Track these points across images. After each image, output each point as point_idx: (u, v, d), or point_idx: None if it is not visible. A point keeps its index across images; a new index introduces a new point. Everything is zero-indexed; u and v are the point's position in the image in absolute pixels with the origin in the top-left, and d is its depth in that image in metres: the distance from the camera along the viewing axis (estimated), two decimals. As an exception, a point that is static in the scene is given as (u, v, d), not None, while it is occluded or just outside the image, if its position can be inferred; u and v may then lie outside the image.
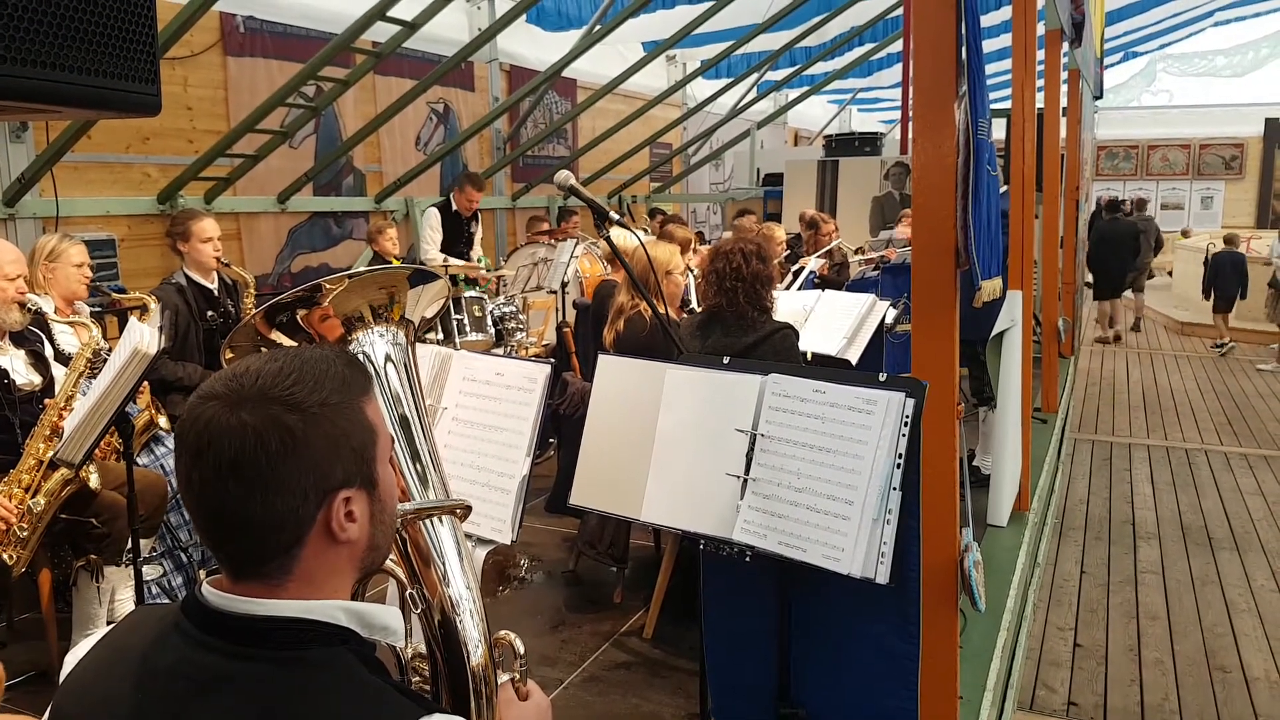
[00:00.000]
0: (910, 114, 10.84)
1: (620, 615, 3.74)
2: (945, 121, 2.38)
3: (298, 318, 1.36)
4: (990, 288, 2.48)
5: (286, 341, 1.33)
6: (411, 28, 5.76)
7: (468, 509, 1.35)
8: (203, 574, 1.06)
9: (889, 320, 4.60)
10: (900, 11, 10.33)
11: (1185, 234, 16.56)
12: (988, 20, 10.24)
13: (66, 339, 3.57)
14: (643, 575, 3.95)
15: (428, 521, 1.34)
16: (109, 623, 3.23)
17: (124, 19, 0.77)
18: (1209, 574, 5.43)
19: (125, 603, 3.28)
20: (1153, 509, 6.55)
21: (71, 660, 1.10)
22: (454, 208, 6.99)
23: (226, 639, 0.99)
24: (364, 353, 1.34)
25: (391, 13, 5.53)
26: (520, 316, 6.07)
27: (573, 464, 2.36)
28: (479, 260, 7.06)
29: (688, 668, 3.25)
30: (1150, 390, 10.13)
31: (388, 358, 1.36)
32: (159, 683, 0.99)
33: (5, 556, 2.88)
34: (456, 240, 6.91)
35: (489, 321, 5.71)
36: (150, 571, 3.30)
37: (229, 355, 1.30)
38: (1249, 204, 19.87)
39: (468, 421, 2.15)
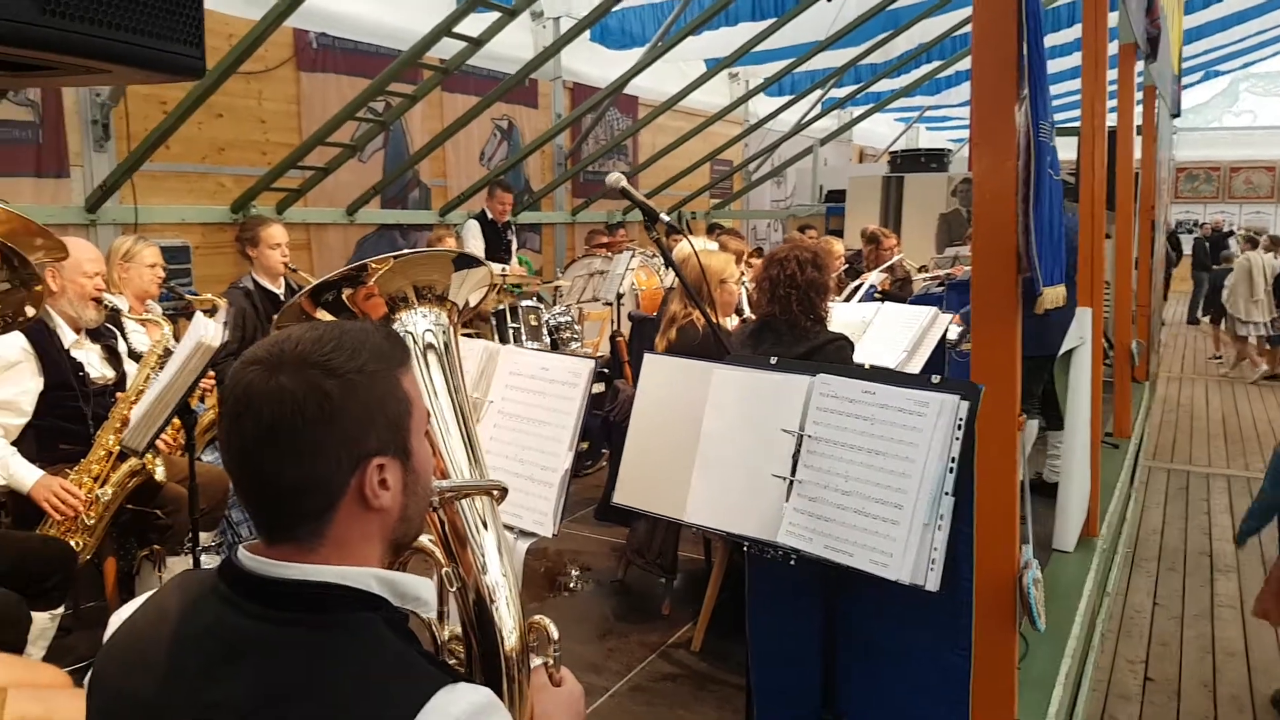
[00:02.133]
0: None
1: (668, 627, 3.70)
2: (1005, 125, 2.34)
3: (344, 297, 1.38)
4: (1053, 295, 2.42)
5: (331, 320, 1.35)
6: (477, 44, 5.86)
7: (504, 491, 1.36)
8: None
9: (952, 336, 4.51)
10: (968, 29, 10.19)
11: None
12: (1059, 38, 10.04)
13: (138, 337, 3.70)
14: (691, 588, 3.91)
15: (465, 504, 1.34)
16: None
17: (171, -18, 0.79)
18: (1290, 609, 5.18)
19: (185, 594, 3.36)
20: (1231, 541, 6.27)
21: (115, 621, 1.13)
22: (489, 216, 7.05)
23: (259, 602, 1.00)
24: (407, 331, 1.36)
25: (458, 29, 5.64)
26: (575, 327, 6.11)
27: (625, 470, 2.36)
28: (521, 261, 7.14)
29: (735, 682, 3.20)
30: (1231, 418, 9.76)
31: (429, 337, 1.37)
32: (193, 643, 1.01)
33: (73, 543, 2.97)
34: (496, 249, 6.95)
35: (544, 331, 5.76)
36: (208, 562, 3.38)
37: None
38: (1337, 229, 19.10)
39: (512, 415, 2.17)
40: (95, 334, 3.38)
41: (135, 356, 3.52)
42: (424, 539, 1.30)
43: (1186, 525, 6.64)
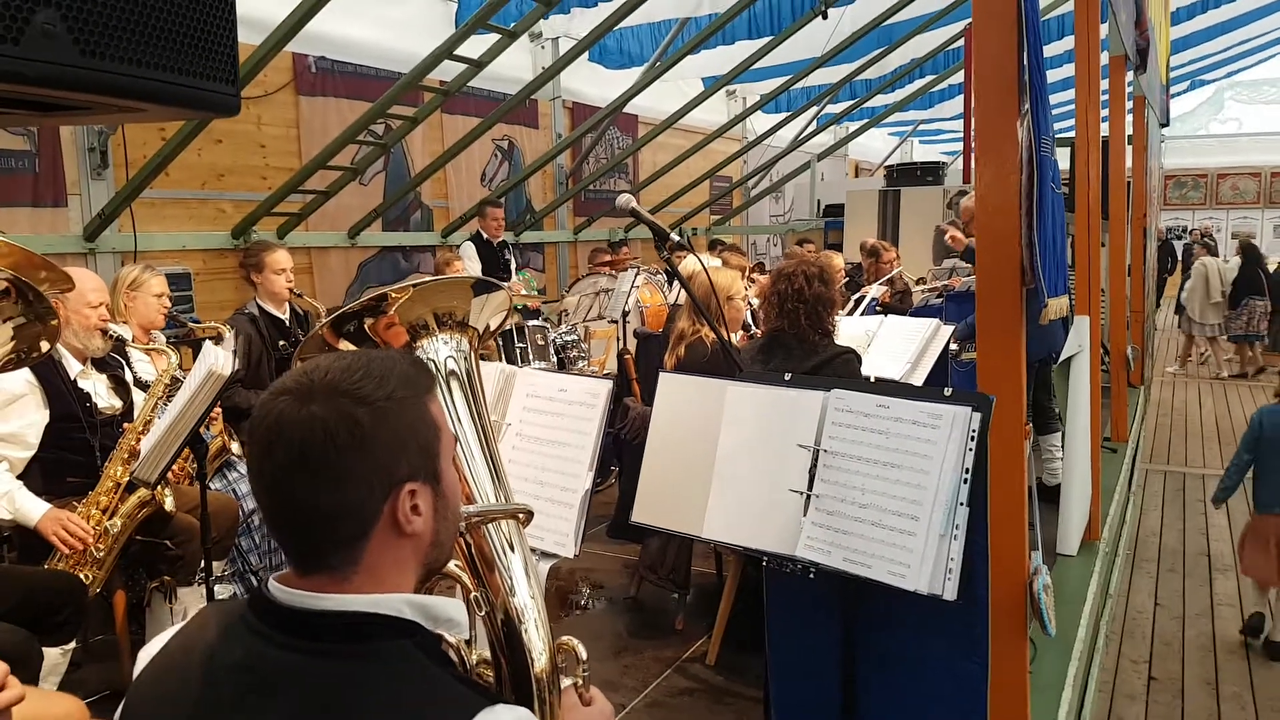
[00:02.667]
0: (973, 140, 10.74)
1: (682, 642, 3.70)
2: (1008, 139, 2.36)
3: (365, 326, 1.39)
4: (1057, 305, 2.44)
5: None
6: (478, 66, 5.90)
7: (530, 514, 1.36)
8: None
9: (953, 347, 4.54)
10: (961, 43, 10.27)
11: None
12: (1051, 50, 10.12)
13: (144, 366, 3.70)
14: (704, 602, 3.92)
15: (492, 528, 1.35)
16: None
17: (207, 22, 0.80)
18: (1291, 608, 5.19)
19: (196, 622, 3.34)
20: (1228, 541, 6.30)
21: (145, 656, 1.13)
22: (484, 236, 7.07)
23: (293, 634, 1.00)
24: (429, 359, 1.37)
25: (458, 52, 5.67)
26: (582, 345, 6.12)
27: (634, 489, 2.36)
28: (521, 275, 7.15)
29: (752, 695, 3.21)
30: (1224, 420, 9.79)
31: (451, 364, 1.38)
32: (225, 677, 1.01)
33: (83, 576, 2.96)
34: (494, 268, 6.96)
35: (551, 350, 5.77)
36: (222, 592, 3.37)
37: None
38: (1324, 231, 19.23)
39: (531, 437, 2.18)
40: (101, 364, 3.38)
41: (142, 386, 3.52)
42: (451, 564, 1.31)
43: (1184, 526, 6.66)
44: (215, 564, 3.26)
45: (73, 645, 2.85)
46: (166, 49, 0.76)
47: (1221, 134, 21.97)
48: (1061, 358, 4.20)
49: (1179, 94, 15.94)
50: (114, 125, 5.11)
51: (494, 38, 5.84)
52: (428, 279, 1.43)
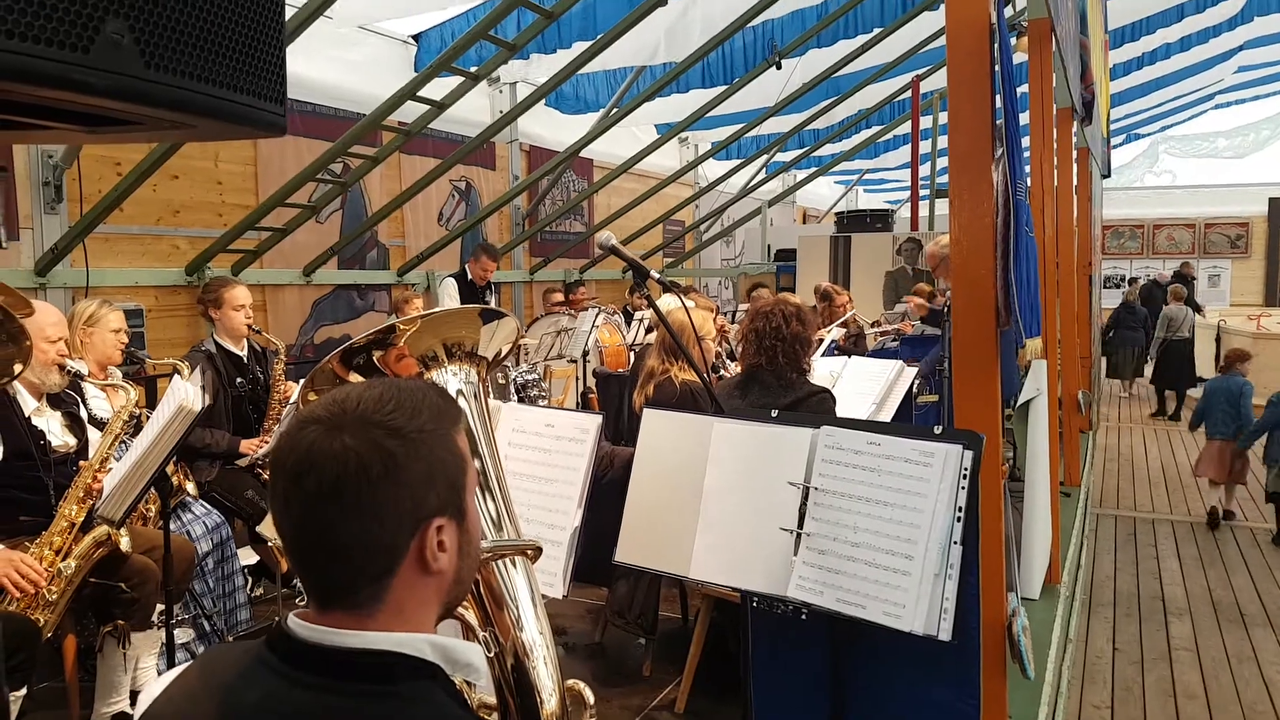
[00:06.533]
0: (919, 192, 11.01)
1: (650, 688, 3.64)
2: (982, 182, 2.42)
3: (374, 359, 1.36)
4: (1033, 346, 2.49)
5: (364, 381, 1.33)
6: (440, 107, 5.91)
7: (538, 550, 1.34)
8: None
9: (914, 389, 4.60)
10: (907, 95, 10.58)
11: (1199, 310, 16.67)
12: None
13: (98, 403, 3.58)
14: (669, 647, 3.87)
15: (501, 564, 1.32)
16: (133, 692, 3.16)
17: (262, 40, 0.79)
18: (1244, 650, 5.30)
19: (149, 670, 3.22)
20: (1182, 584, 6.43)
21: (147, 699, 1.08)
22: (469, 277, 7.06)
23: (315, 673, 0.97)
24: (440, 391, 1.34)
25: (420, 93, 5.68)
26: (542, 384, 6.09)
27: (601, 529, 2.32)
28: None
29: (724, 741, 3.16)
30: (1170, 465, 10.04)
31: (460, 395, 1.36)
32: (245, 718, 0.97)
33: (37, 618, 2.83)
34: None
35: (512, 389, 5.72)
36: (182, 635, 3.24)
37: (311, 398, 1.30)
38: (1256, 281, 20.00)
39: (517, 474, 2.14)
40: (56, 400, 3.27)
41: (97, 424, 3.41)
42: (459, 602, 1.27)
43: (1138, 570, 6.77)
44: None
45: (23, 692, 2.71)
46: (225, 65, 0.75)
47: (1157, 185, 22.89)
48: (1019, 400, 4.27)
49: (1117, 146, 16.60)
50: (69, 159, 5.00)
51: (456, 80, 5.87)
52: (436, 311, 1.40)
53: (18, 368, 1.74)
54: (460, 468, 1.05)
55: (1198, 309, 14.25)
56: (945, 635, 1.82)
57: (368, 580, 0.99)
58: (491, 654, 1.29)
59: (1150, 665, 5.17)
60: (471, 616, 1.32)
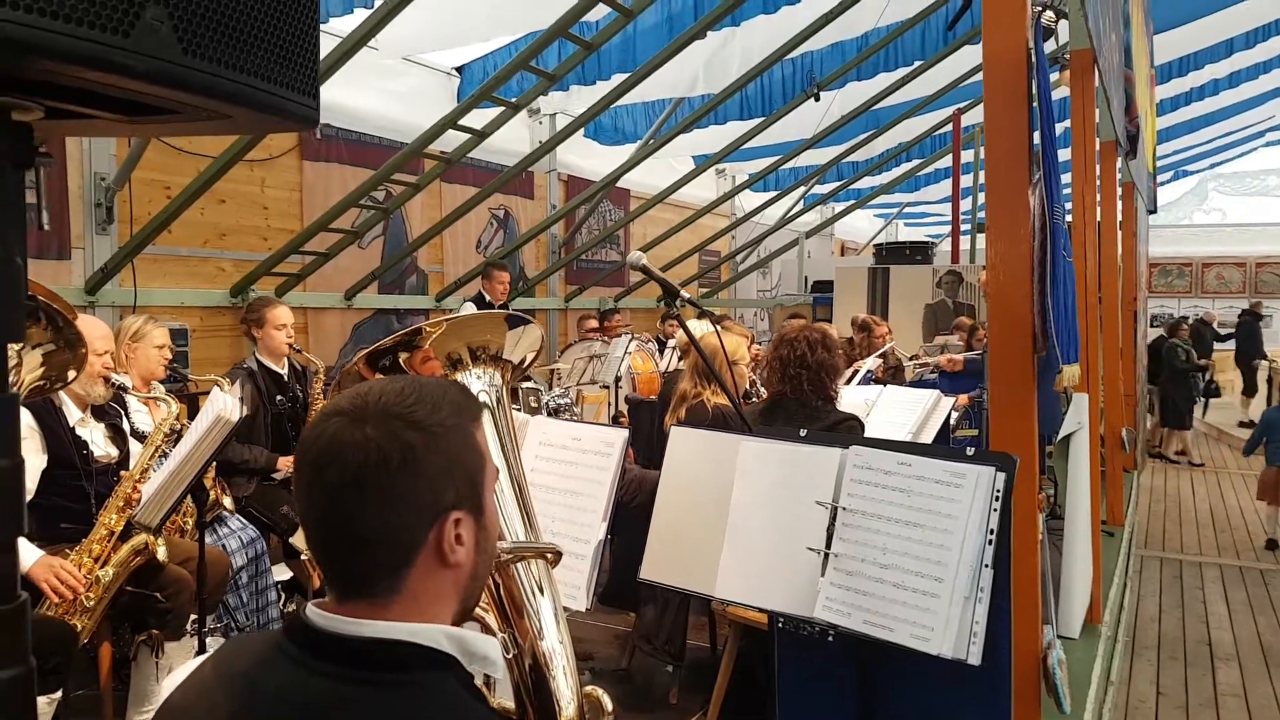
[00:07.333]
0: (960, 226, 10.93)
1: (677, 716, 3.61)
2: (1019, 208, 2.41)
3: (400, 361, 1.38)
4: (1070, 373, 2.46)
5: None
6: (481, 136, 6.00)
7: (559, 554, 1.34)
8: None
9: (951, 421, 4.54)
10: (949, 128, 10.55)
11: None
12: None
13: (141, 416, 3.66)
14: (697, 675, 3.82)
15: (521, 569, 1.32)
16: (164, 701, 3.19)
17: (297, 31, 0.82)
18: (1295, 698, 5.13)
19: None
20: (1229, 629, 6.23)
21: (169, 686, 1.09)
22: (487, 298, 7.08)
23: (333, 661, 0.98)
24: (465, 393, 1.35)
25: (461, 122, 5.78)
26: (574, 408, 6.12)
27: (629, 553, 2.32)
28: None
29: (750, 770, 3.11)
30: (1219, 508, 9.78)
31: (484, 398, 1.37)
32: (264, 706, 0.98)
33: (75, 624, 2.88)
34: None
35: (545, 413, 5.75)
36: (212, 645, 3.28)
37: (337, 398, 1.33)
38: (1309, 320, 19.56)
39: (543, 486, 2.15)
40: (100, 412, 3.34)
41: (139, 436, 3.48)
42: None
43: (1183, 614, 6.58)
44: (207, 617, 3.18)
45: (59, 695, 2.75)
46: (259, 55, 0.77)
47: (1206, 224, 22.50)
48: (1060, 435, 4.20)
49: (1164, 183, 16.38)
50: (121, 181, 5.15)
51: (496, 110, 5.96)
52: (461, 315, 1.42)
53: (71, 374, 1.78)
54: (479, 463, 1.06)
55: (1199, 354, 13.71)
56: (975, 659, 1.78)
57: (386, 571, 1.00)
58: (510, 655, 1.29)
59: (1195, 711, 5.01)
60: (491, 620, 1.32)
